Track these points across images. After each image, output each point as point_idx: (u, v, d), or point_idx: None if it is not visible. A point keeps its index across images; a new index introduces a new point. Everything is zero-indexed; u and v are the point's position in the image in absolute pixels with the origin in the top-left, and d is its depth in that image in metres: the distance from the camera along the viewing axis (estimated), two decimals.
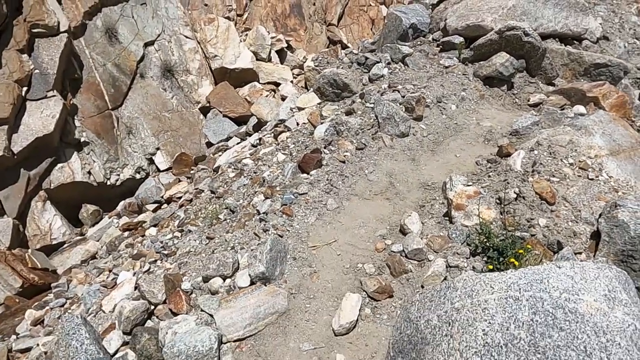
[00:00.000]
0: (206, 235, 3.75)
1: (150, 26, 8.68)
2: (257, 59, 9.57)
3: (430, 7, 7.17)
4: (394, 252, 2.89)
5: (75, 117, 7.51)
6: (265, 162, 4.45)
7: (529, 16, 5.04)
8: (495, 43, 4.56)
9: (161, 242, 4.49)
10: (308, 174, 3.69)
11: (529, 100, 4.32)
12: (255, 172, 4.37)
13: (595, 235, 2.62)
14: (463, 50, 4.92)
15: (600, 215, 2.62)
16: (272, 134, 5.26)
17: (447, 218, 3.04)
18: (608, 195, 2.83)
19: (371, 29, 12.90)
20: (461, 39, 5.10)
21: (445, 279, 2.59)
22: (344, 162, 3.71)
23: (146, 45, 8.54)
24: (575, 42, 5.51)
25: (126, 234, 6.24)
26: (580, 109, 3.95)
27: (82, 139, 7.42)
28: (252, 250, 3.05)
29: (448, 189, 3.13)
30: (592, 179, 2.93)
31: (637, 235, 2.36)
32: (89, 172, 7.36)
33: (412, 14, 6.34)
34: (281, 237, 3.09)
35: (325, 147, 3.90)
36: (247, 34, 10.01)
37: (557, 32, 5.16)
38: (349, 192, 3.45)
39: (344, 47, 11.65)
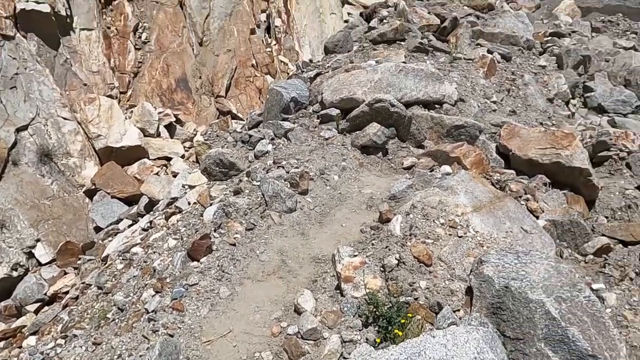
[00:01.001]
0: (92, 341, 3.45)
1: (22, 110, 8.17)
2: (145, 135, 9.36)
3: (309, 80, 7.66)
4: (289, 334, 2.90)
5: None
6: (156, 249, 4.29)
7: (394, 87, 5.60)
8: (367, 114, 4.98)
9: (41, 353, 4.04)
10: (198, 261, 3.62)
11: (402, 164, 4.72)
12: (145, 262, 4.18)
13: (469, 291, 2.87)
14: (340, 122, 5.28)
15: (470, 271, 2.89)
16: (164, 216, 5.11)
17: (338, 291, 3.15)
18: (475, 250, 3.14)
19: (259, 98, 13.32)
20: (338, 111, 5.50)
21: (341, 355, 2.64)
22: (234, 244, 3.71)
23: (18, 130, 7.99)
24: (437, 106, 6.18)
25: (1, 344, 5.53)
26: (447, 168, 4.40)
27: None
28: (140, 356, 2.87)
29: (337, 262, 3.26)
30: (461, 237, 3.25)
31: (501, 287, 2.63)
32: None
33: (291, 89, 6.72)
34: (172, 336, 2.95)
35: (215, 231, 3.88)
36: (132, 111, 9.81)
37: (420, 99, 5.77)
38: (242, 276, 3.43)
39: (234, 117, 11.86)
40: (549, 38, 11.20)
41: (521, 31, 9.95)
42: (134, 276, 4.09)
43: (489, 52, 8.53)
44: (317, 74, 7.67)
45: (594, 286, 3.70)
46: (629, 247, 4.44)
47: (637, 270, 4.00)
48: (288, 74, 12.99)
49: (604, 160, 5.82)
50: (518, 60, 8.99)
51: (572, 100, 9.03)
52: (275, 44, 15.10)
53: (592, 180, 5.06)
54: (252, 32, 14.18)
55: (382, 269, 3.12)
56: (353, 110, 5.15)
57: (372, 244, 3.42)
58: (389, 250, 3.23)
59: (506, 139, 5.81)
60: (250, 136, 5.14)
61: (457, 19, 9.26)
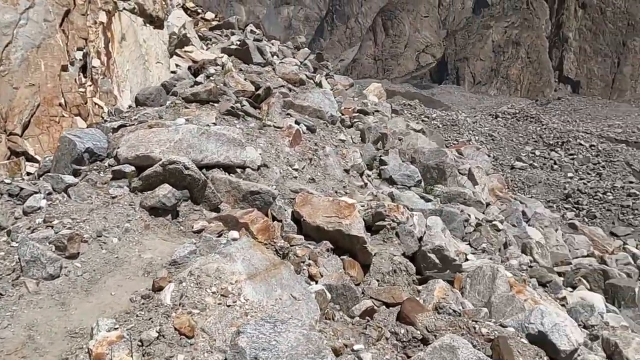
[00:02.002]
0: None
1: None
2: None
3: (112, 130, 7.26)
4: None
5: None
6: None
7: (194, 149, 5.64)
8: (160, 174, 4.88)
9: None
10: None
11: (193, 228, 4.69)
12: None
13: None
14: (133, 180, 5.07)
15: (230, 342, 2.93)
16: None
17: None
18: (240, 320, 3.23)
19: None
20: (132, 168, 5.27)
21: None
22: None
23: None
24: (239, 170, 6.40)
25: None
26: (234, 234, 4.51)
27: None
28: None
29: (94, 335, 3.00)
30: (229, 305, 3.31)
31: (252, 359, 2.72)
32: None
33: (88, 138, 6.25)
34: None
35: None
36: None
37: (220, 162, 5.91)
38: None
39: (30, 158, 10.49)
40: (357, 114, 12.73)
41: (327, 107, 11.06)
42: None
43: (297, 122, 9.26)
44: (121, 126, 7.33)
45: (355, 347, 4.07)
46: (390, 308, 5.07)
47: (392, 330, 4.57)
48: (102, 117, 12.15)
49: (380, 228, 6.66)
50: (322, 132, 9.92)
51: (368, 172, 10.25)
52: (90, 85, 14.05)
53: (366, 247, 5.72)
54: (64, 68, 13.00)
55: (140, 343, 2.96)
56: (147, 169, 5.01)
57: (138, 315, 3.25)
58: (152, 322, 3.11)
59: (299, 206, 6.27)
60: (22, 188, 4.57)
61: (271, 88, 9.92)
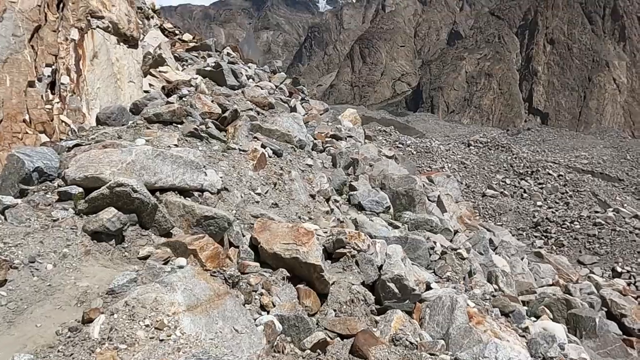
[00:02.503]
0: None
1: None
2: None
3: (66, 149, 7.01)
4: None
5: None
6: None
7: (148, 171, 5.45)
8: (107, 197, 4.67)
9: None
10: None
11: (138, 254, 4.47)
12: None
13: None
14: (79, 202, 4.84)
15: None
16: None
17: None
18: (171, 356, 3.03)
19: None
20: (79, 189, 5.05)
21: None
22: None
23: None
24: (197, 193, 6.21)
25: None
26: (181, 261, 4.31)
27: None
28: None
29: None
30: (162, 340, 3.10)
31: None
32: None
33: (37, 157, 5.99)
34: None
35: None
36: None
37: (175, 185, 5.72)
38: None
39: None
40: (330, 139, 12.72)
41: (296, 131, 11.01)
42: None
43: (263, 146, 9.15)
44: (76, 145, 7.10)
45: None
46: (345, 340, 4.91)
47: None
48: (69, 135, 11.86)
49: (340, 256, 6.52)
50: (289, 157, 9.83)
51: (337, 197, 10.16)
52: (58, 102, 13.73)
53: (323, 275, 5.57)
54: (31, 85, 12.68)
55: None
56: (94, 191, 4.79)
57: (60, 350, 3.01)
58: (73, 358, 2.88)
59: (258, 232, 6.10)
60: None
61: (238, 111, 9.82)
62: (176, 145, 7.54)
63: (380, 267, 6.39)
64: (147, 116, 8.29)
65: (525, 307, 10.56)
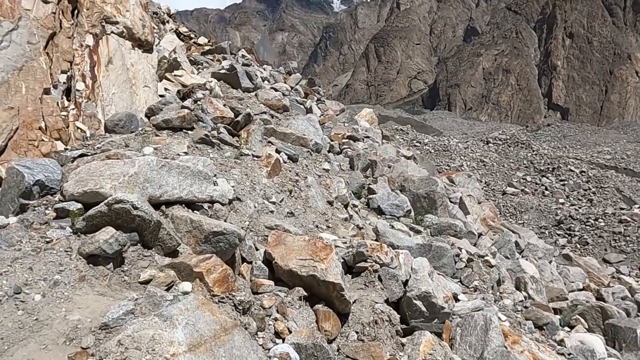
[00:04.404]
0: None
1: None
2: None
3: (71, 160, 6.67)
4: None
5: None
6: None
7: (152, 184, 5.03)
8: (105, 215, 4.26)
9: None
10: None
11: (139, 277, 4.05)
12: None
13: None
14: (77, 219, 4.44)
15: None
16: None
17: None
18: None
19: None
20: (79, 205, 4.65)
21: None
22: None
23: None
24: (207, 205, 5.78)
25: None
26: (186, 286, 3.87)
27: None
28: None
29: None
30: None
31: None
32: None
33: (39, 170, 5.64)
34: None
35: None
36: None
37: (182, 198, 5.30)
38: None
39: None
40: (346, 140, 12.22)
41: (311, 134, 10.53)
42: None
43: (277, 151, 8.70)
44: (82, 155, 6.75)
45: None
46: None
47: None
48: (74, 144, 11.70)
49: (362, 270, 6.03)
50: (304, 162, 9.36)
51: (355, 202, 9.66)
52: (74, 109, 13.55)
53: (344, 295, 5.08)
54: (47, 92, 12.52)
55: None
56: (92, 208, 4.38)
57: None
58: None
59: (272, 246, 5.65)
60: None
61: (251, 115, 9.40)
62: (186, 153, 7.14)
63: (405, 283, 5.88)
64: (155, 122, 7.93)
65: (558, 316, 9.91)
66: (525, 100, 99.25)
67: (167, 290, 3.86)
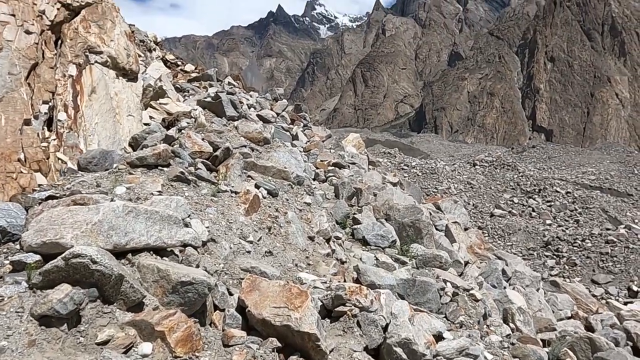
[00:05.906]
0: None
1: None
2: None
3: (38, 202, 6.40)
4: None
5: None
6: None
7: (118, 231, 4.80)
8: (62, 270, 4.01)
9: None
10: None
11: (97, 338, 3.78)
12: None
13: None
14: (34, 274, 4.17)
15: None
16: None
17: None
18: None
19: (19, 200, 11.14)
20: (37, 257, 4.40)
21: None
22: None
23: None
24: (177, 251, 5.54)
25: None
26: (146, 348, 3.62)
27: None
28: None
29: None
30: None
31: None
32: None
33: (1, 215, 5.38)
34: None
35: None
36: None
37: (150, 245, 5.06)
38: None
39: None
40: (332, 168, 12.01)
41: (293, 167, 10.36)
42: None
43: (257, 186, 8.51)
44: (50, 197, 6.47)
45: None
46: None
47: None
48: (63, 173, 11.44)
49: (340, 315, 5.80)
50: (285, 196, 9.16)
51: (339, 233, 9.42)
52: (55, 139, 13.29)
53: (320, 345, 4.84)
54: (27, 122, 12.26)
55: None
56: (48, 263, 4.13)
57: None
58: None
59: (246, 292, 5.41)
60: None
61: (230, 149, 9.22)
62: (160, 192, 6.92)
63: (385, 327, 5.65)
64: (129, 160, 7.71)
65: (547, 349, 9.68)
66: (510, 122, 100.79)
67: (126, 352, 3.61)
